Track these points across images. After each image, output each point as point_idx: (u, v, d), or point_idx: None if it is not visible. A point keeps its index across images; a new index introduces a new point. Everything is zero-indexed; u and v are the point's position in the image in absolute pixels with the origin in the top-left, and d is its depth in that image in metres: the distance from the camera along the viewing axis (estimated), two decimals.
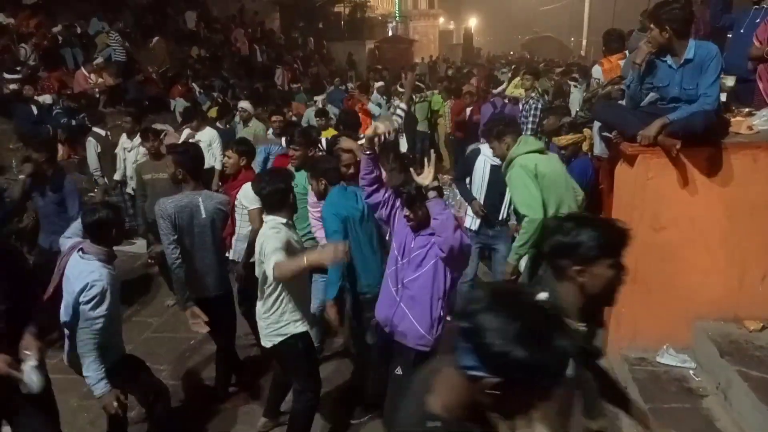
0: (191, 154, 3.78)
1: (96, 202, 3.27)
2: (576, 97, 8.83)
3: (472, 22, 43.01)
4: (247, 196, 4.08)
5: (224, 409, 4.13)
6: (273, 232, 3.11)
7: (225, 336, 4.07)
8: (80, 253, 3.03)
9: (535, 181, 3.68)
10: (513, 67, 17.76)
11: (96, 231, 3.01)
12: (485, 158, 4.40)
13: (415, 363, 2.98)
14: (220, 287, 3.86)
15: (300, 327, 3.29)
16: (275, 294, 3.20)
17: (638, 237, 3.78)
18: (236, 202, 4.27)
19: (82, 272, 2.94)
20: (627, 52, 4.98)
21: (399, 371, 3.11)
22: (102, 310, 2.91)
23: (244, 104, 8.00)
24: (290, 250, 3.06)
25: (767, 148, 3.58)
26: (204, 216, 3.65)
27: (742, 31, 4.74)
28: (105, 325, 2.94)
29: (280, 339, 3.26)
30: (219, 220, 3.76)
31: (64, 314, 2.99)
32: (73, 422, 3.90)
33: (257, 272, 3.27)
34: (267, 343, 3.33)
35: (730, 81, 4.00)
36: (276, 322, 3.24)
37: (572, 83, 9.80)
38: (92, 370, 2.91)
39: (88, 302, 2.88)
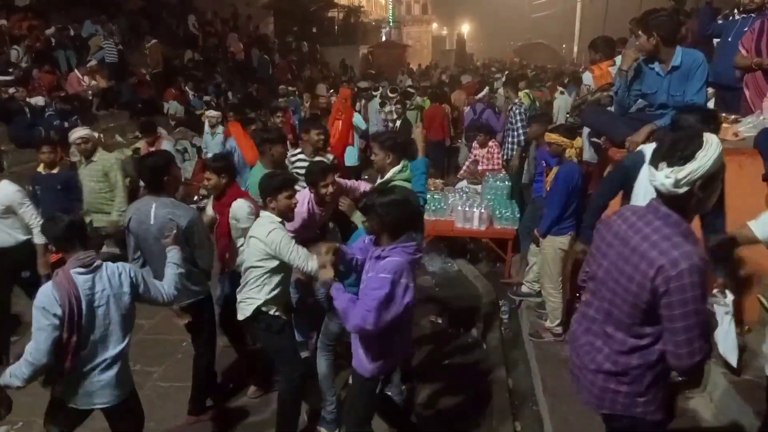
0: (146, 164, 3.66)
1: (53, 213, 2.90)
2: (559, 104, 8.92)
3: (465, 28, 43.31)
4: (237, 215, 3.95)
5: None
6: (278, 226, 3.36)
7: (196, 345, 3.98)
8: (81, 270, 2.73)
9: None
10: (506, 72, 17.92)
11: (73, 235, 2.76)
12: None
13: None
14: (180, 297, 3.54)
15: (274, 310, 3.49)
16: (264, 277, 3.41)
17: None
18: (230, 221, 4.08)
19: (114, 274, 2.81)
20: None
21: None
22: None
23: (211, 112, 8.39)
24: None
25: (752, 154, 3.65)
26: (152, 222, 3.47)
27: (729, 39, 4.83)
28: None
29: (253, 307, 3.45)
30: (167, 230, 3.40)
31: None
32: None
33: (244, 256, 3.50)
34: (241, 316, 3.55)
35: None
36: (257, 293, 3.45)
37: (560, 89, 9.90)
38: None
39: (144, 282, 2.91)
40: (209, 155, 7.48)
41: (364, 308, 2.63)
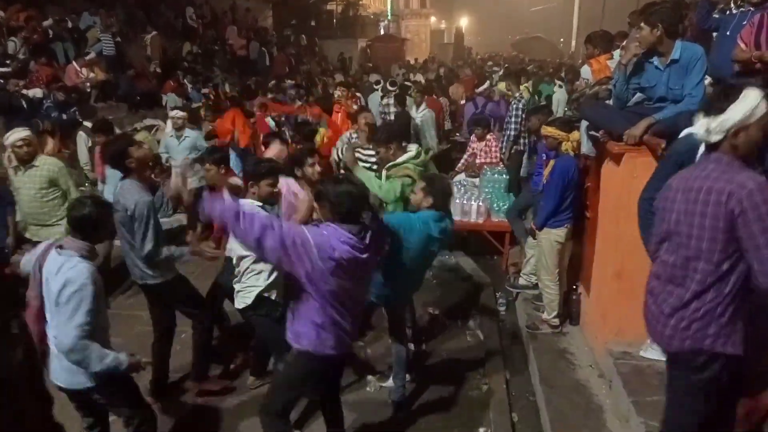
0: (108, 149, 3.87)
1: (86, 197, 3.06)
2: (558, 98, 8.94)
3: (463, 21, 43.16)
4: None
5: (216, 403, 4.17)
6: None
7: (157, 325, 4.13)
8: (58, 249, 2.84)
9: None
10: (505, 66, 17.90)
11: (82, 226, 2.85)
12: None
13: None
14: (141, 277, 3.85)
15: (275, 295, 3.60)
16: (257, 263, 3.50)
17: (624, 234, 3.89)
18: None
19: (62, 268, 2.75)
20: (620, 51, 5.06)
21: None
22: (84, 309, 2.70)
23: (176, 112, 7.23)
24: None
25: None
26: (118, 201, 3.65)
27: (728, 33, 4.81)
28: (90, 327, 2.73)
29: (254, 294, 3.55)
30: (119, 210, 3.58)
31: (49, 320, 2.83)
32: (62, 413, 3.91)
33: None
34: (241, 304, 3.65)
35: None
36: (256, 281, 3.54)
37: (558, 82, 9.91)
38: (103, 364, 2.77)
39: (68, 301, 2.69)
40: (172, 161, 7.04)
41: (259, 220, 2.61)
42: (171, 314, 4.14)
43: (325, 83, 14.24)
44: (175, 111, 7.22)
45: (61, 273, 2.73)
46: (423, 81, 13.30)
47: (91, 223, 2.85)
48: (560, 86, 9.43)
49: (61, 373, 2.89)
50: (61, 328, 2.72)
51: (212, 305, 4.38)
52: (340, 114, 8.63)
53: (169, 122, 7.73)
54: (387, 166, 4.25)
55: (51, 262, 2.81)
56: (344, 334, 2.90)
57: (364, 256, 2.75)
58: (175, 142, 7.06)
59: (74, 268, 2.73)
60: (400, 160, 4.06)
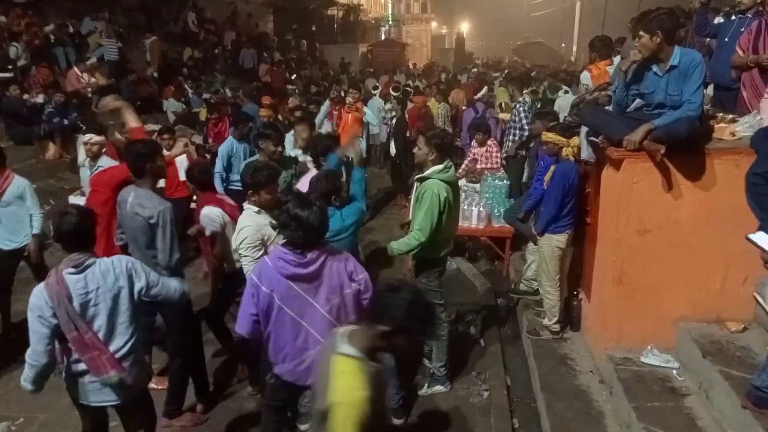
0: (133, 149, 3.70)
1: (65, 208, 2.85)
2: (560, 104, 8.96)
3: (464, 26, 43.29)
4: (203, 221, 4.10)
5: (215, 408, 4.17)
6: (249, 225, 3.53)
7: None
8: (72, 270, 2.65)
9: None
10: (506, 71, 17.93)
11: (78, 238, 2.71)
12: None
13: None
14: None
15: None
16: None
17: (624, 240, 3.90)
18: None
19: (108, 272, 2.71)
20: (619, 57, 5.07)
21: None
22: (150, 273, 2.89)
23: (91, 137, 5.36)
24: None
25: (749, 153, 3.65)
26: (127, 209, 3.56)
27: (726, 39, 4.85)
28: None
29: None
30: (136, 218, 3.51)
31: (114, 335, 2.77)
32: (65, 420, 3.91)
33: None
34: None
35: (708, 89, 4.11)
36: None
37: (564, 87, 9.95)
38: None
39: (144, 273, 2.83)
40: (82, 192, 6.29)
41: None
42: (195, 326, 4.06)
43: (326, 88, 14.26)
44: (89, 136, 5.38)
45: (110, 279, 2.71)
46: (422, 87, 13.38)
47: (85, 231, 2.74)
48: (566, 92, 9.44)
49: (103, 392, 2.82)
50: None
51: (215, 320, 4.33)
52: (351, 116, 9.01)
53: (81, 149, 6.02)
54: (416, 177, 4.20)
55: (81, 284, 2.66)
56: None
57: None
58: (86, 173, 5.62)
59: (116, 260, 2.78)
60: (427, 172, 3.93)
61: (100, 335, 2.70)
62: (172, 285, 3.01)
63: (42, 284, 2.69)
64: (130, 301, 2.79)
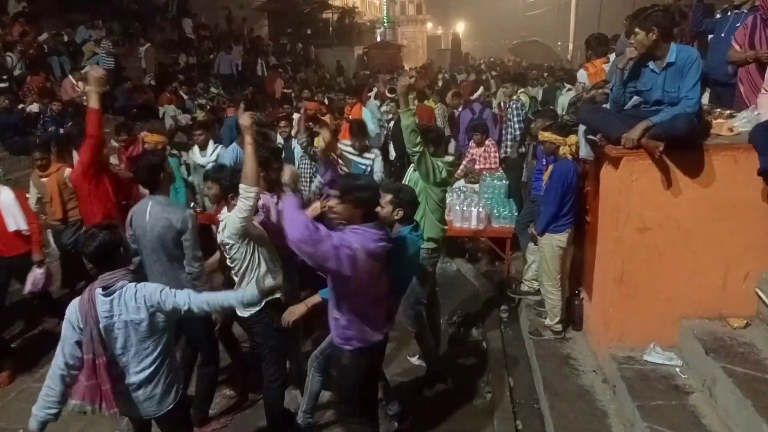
0: (143, 162, 3.70)
1: (91, 225, 2.89)
2: (562, 102, 8.98)
3: (460, 27, 43.31)
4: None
5: (215, 414, 4.15)
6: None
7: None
8: (102, 291, 2.64)
9: None
10: (499, 71, 17.95)
11: (106, 256, 2.67)
12: None
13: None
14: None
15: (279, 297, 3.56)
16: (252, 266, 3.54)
17: (624, 238, 3.88)
18: None
19: (131, 300, 2.64)
20: (614, 54, 5.06)
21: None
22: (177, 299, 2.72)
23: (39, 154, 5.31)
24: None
25: (748, 149, 3.66)
26: (147, 220, 3.51)
27: (722, 35, 4.84)
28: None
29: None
30: (163, 228, 3.47)
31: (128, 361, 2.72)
32: (66, 429, 3.89)
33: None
34: (246, 313, 3.59)
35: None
36: None
37: (567, 86, 9.98)
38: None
39: (172, 305, 2.69)
40: None
41: (305, 223, 2.64)
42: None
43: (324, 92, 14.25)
44: (38, 152, 5.28)
45: (132, 308, 2.63)
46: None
47: (112, 248, 2.68)
48: (569, 90, 9.46)
49: (147, 405, 2.82)
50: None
51: (225, 333, 4.28)
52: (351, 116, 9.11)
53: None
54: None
55: (107, 307, 2.64)
56: (381, 319, 3.09)
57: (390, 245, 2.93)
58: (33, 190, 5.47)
59: (144, 287, 2.69)
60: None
61: (115, 360, 2.69)
62: (189, 304, 2.79)
63: (77, 299, 2.69)
64: (149, 331, 2.69)
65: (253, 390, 4.35)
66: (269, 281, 3.31)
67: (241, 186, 3.29)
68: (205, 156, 6.32)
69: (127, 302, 2.64)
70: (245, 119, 3.40)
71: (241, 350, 4.47)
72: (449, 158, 4.31)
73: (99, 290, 2.64)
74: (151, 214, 3.52)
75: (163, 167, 3.65)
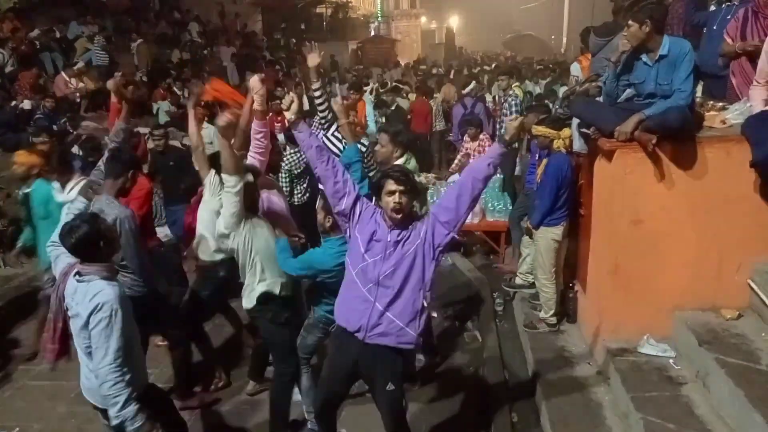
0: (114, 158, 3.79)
1: (74, 216, 2.85)
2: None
3: (454, 21, 43.21)
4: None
5: (216, 412, 4.16)
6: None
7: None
8: (77, 277, 2.70)
9: None
10: (494, 65, 17.94)
11: (85, 249, 2.68)
12: None
13: (403, 369, 3.00)
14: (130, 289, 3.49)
15: (279, 290, 3.55)
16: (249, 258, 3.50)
17: (618, 231, 3.90)
18: None
19: (87, 295, 2.63)
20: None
21: (390, 386, 2.95)
22: (115, 335, 2.59)
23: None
24: None
25: (740, 141, 3.67)
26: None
27: (714, 28, 4.85)
28: (124, 352, 2.62)
29: (256, 294, 3.51)
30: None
31: (79, 344, 2.74)
32: (61, 429, 3.89)
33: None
34: (248, 304, 3.61)
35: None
36: (253, 277, 3.52)
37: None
38: (125, 409, 2.61)
39: (96, 326, 2.58)
40: None
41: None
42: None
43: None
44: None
45: (87, 299, 2.62)
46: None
47: (92, 242, 2.67)
48: (562, 85, 9.49)
49: (92, 392, 2.81)
50: (96, 355, 2.62)
51: (191, 321, 4.25)
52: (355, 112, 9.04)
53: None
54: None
55: (72, 289, 2.69)
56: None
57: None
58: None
59: (101, 293, 2.62)
60: (395, 164, 4.06)
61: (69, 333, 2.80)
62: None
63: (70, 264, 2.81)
64: (84, 328, 2.65)
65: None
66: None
67: (223, 176, 3.32)
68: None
69: (85, 296, 2.64)
70: (222, 120, 3.39)
71: (210, 343, 4.48)
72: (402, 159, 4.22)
73: (74, 272, 2.72)
74: (98, 210, 3.36)
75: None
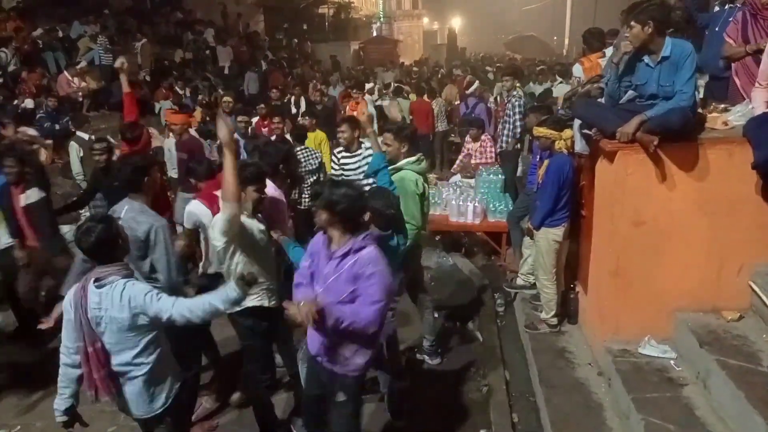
0: (128, 162, 3.64)
1: (87, 221, 2.75)
2: (559, 94, 9.01)
3: (456, 22, 43.21)
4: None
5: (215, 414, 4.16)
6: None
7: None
8: (95, 284, 2.64)
9: None
10: (497, 65, 17.93)
11: (101, 251, 2.67)
12: None
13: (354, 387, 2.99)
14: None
15: (258, 299, 3.45)
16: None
17: (619, 232, 3.90)
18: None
19: (115, 298, 2.61)
20: (611, 48, 5.06)
21: (341, 397, 2.96)
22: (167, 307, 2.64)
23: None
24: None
25: (742, 143, 3.67)
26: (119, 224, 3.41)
27: (717, 29, 4.85)
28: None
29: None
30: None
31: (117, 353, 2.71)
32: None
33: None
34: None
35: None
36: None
37: (559, 79, 10.02)
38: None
39: (155, 311, 2.62)
40: None
41: (372, 303, 2.61)
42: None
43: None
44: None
45: (118, 300, 2.60)
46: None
47: (107, 244, 2.66)
48: (560, 83, 9.51)
49: (138, 404, 2.81)
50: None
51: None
52: (356, 112, 9.09)
53: (73, 155, 6.62)
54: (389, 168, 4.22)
55: (96, 299, 2.63)
56: None
57: None
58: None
59: (128, 290, 2.62)
60: (400, 163, 4.06)
61: (105, 350, 2.68)
62: (174, 314, 2.68)
63: (76, 286, 2.71)
64: (131, 329, 2.67)
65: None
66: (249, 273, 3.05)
67: (221, 203, 3.11)
68: None
69: (114, 298, 2.61)
70: (222, 129, 3.06)
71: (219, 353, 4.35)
72: (412, 157, 4.17)
73: (92, 282, 2.64)
74: (123, 220, 3.26)
75: (150, 172, 3.53)
